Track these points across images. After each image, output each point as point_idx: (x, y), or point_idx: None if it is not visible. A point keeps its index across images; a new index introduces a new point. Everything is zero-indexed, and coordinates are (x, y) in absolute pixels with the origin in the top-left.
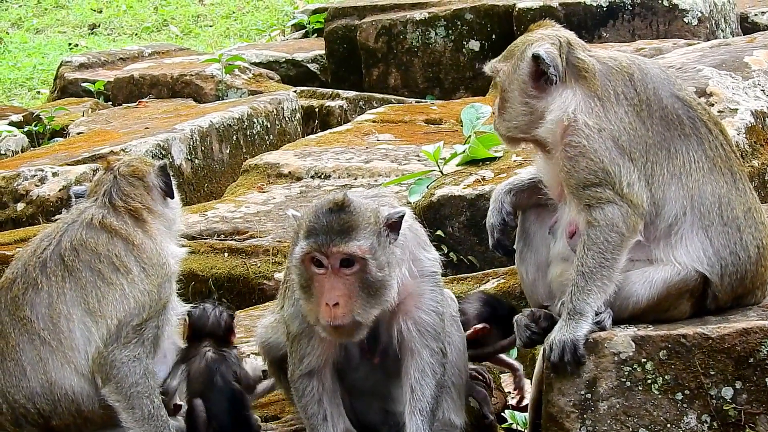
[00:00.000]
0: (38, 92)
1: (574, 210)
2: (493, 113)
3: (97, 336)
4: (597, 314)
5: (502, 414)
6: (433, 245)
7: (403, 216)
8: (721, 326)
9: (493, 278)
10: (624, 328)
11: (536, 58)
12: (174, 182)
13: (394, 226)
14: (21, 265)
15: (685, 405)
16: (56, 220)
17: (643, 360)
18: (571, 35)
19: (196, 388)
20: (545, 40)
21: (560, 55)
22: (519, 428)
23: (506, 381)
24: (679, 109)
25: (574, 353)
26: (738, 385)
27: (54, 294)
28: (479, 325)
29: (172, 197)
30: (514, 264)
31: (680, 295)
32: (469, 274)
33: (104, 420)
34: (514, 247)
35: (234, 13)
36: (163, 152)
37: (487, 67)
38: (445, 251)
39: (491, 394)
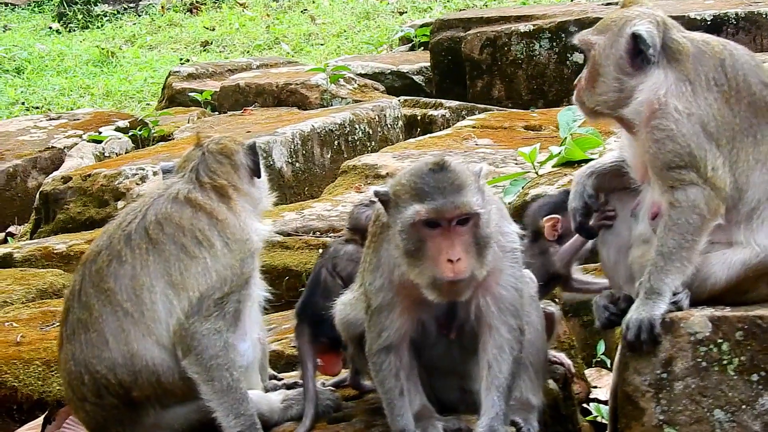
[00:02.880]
0: (147, 104)
1: (657, 191)
2: (576, 85)
3: (179, 308)
4: (674, 294)
5: (585, 405)
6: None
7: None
8: None
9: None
10: (701, 308)
11: (636, 36)
12: (262, 162)
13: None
14: (106, 238)
15: (760, 386)
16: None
17: (719, 340)
18: (665, 15)
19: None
20: (644, 18)
21: (658, 35)
22: (604, 421)
23: (592, 375)
24: (767, 96)
25: (650, 332)
26: None
27: (138, 266)
28: (549, 218)
29: (259, 177)
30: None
31: (759, 278)
32: None
33: (184, 392)
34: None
35: (345, 31)
36: (264, 155)
37: (578, 38)
38: None
39: (572, 381)
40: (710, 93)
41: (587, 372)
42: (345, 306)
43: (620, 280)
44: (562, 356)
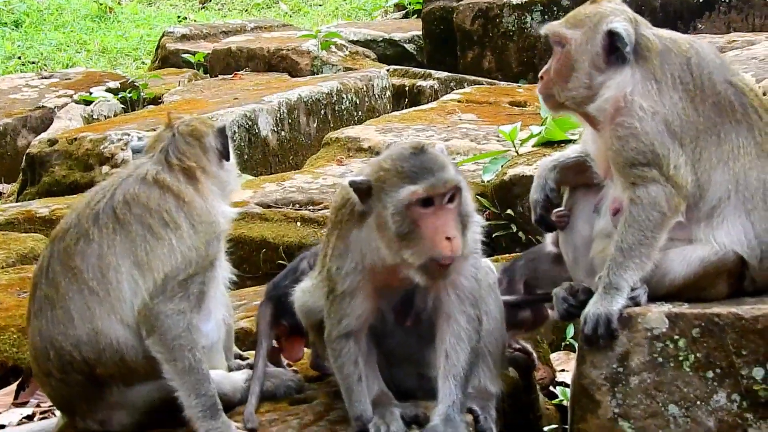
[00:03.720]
0: (143, 62)
1: (619, 187)
2: (543, 77)
3: (144, 288)
4: (633, 290)
5: (551, 389)
6: (503, 224)
7: None
8: (756, 307)
9: None
10: (659, 304)
11: (613, 34)
12: (231, 145)
13: None
14: (75, 216)
15: (715, 383)
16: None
17: (675, 337)
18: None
19: None
20: (619, 15)
21: (633, 33)
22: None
23: (560, 358)
24: (732, 95)
25: (607, 327)
26: None
27: (104, 246)
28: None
29: (228, 160)
30: None
31: (717, 275)
32: None
33: (147, 371)
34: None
35: None
36: (250, 123)
37: (550, 31)
38: (515, 230)
39: (534, 369)
40: (675, 92)
41: (555, 355)
42: (304, 293)
43: (581, 274)
44: (527, 346)
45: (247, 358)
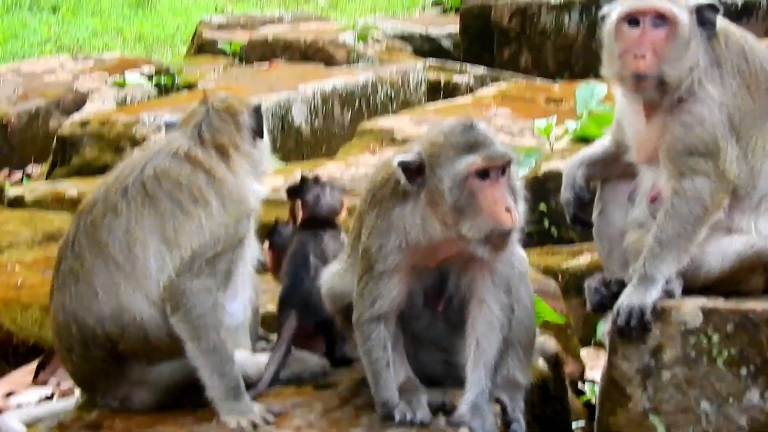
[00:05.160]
0: (178, 51)
1: (663, 175)
2: (645, 56)
3: (171, 265)
4: (667, 282)
5: (580, 386)
6: (536, 219)
7: None
8: None
9: (587, 252)
10: (693, 298)
11: (711, 7)
12: (266, 124)
13: None
14: (103, 190)
15: (748, 380)
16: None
17: (709, 332)
18: None
19: (293, 264)
20: None
21: None
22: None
23: (590, 355)
24: None
25: (640, 319)
26: None
27: (132, 220)
28: None
29: (262, 138)
30: None
31: (752, 269)
32: (563, 247)
33: (170, 349)
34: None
35: None
36: (284, 111)
37: (660, 8)
38: (547, 226)
39: (564, 361)
40: (734, 79)
41: (584, 352)
42: (333, 276)
43: (615, 267)
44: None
45: (272, 341)
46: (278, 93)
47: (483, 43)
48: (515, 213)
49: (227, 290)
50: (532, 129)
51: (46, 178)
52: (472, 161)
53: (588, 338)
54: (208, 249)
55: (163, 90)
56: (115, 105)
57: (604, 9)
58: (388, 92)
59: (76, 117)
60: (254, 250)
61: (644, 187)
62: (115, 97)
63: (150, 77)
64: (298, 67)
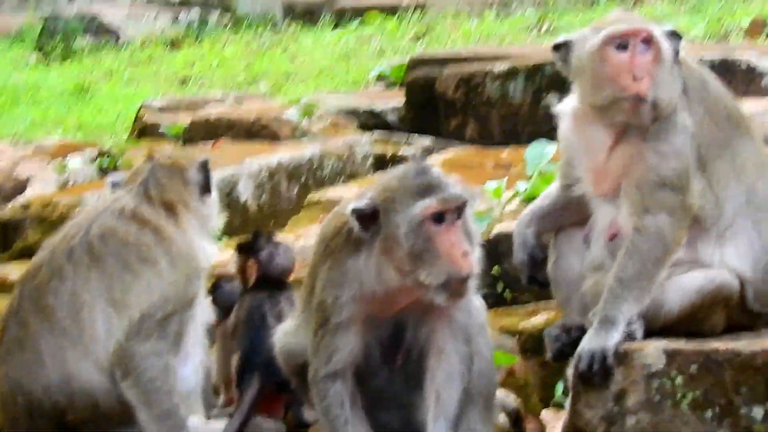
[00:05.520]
0: (120, 137)
1: (624, 210)
2: (644, 79)
3: (119, 328)
4: (629, 324)
5: None
6: (489, 282)
7: None
8: (753, 343)
9: (544, 311)
10: (655, 340)
11: (675, 33)
12: (213, 179)
13: None
14: (48, 253)
15: (714, 423)
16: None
17: (673, 374)
18: None
19: (250, 328)
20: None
21: None
22: None
23: (549, 416)
24: (735, 107)
25: (603, 363)
26: None
27: (78, 283)
28: None
29: (210, 194)
30: None
31: (713, 305)
32: (518, 308)
33: (121, 417)
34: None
35: (324, 71)
36: (229, 188)
37: (645, 31)
38: (500, 289)
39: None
40: (699, 107)
41: (544, 413)
42: (286, 334)
43: (574, 313)
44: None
45: (221, 406)
46: (223, 169)
47: (428, 114)
48: (472, 257)
49: (178, 353)
50: (482, 194)
51: None
52: (427, 204)
53: (547, 400)
54: (158, 310)
55: (105, 172)
56: (57, 188)
57: (561, 39)
58: (335, 166)
59: (18, 200)
60: (205, 311)
61: (601, 225)
62: (56, 180)
63: (92, 160)
64: (243, 145)
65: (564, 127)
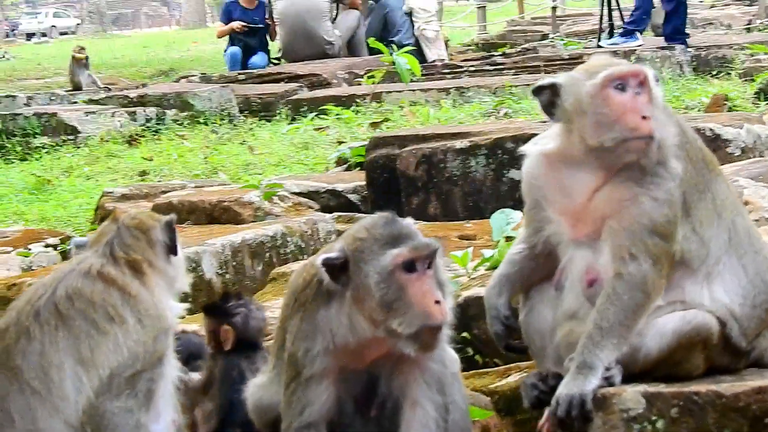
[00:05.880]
0: (82, 228)
1: (605, 254)
2: (647, 118)
3: (89, 386)
4: (607, 369)
5: None
6: (459, 347)
7: None
8: (735, 384)
9: (516, 372)
10: (634, 384)
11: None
12: (179, 240)
13: None
14: (15, 314)
15: None
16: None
17: (653, 418)
18: None
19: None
20: None
21: None
22: None
23: None
24: (707, 150)
25: (581, 408)
26: None
27: (46, 343)
28: None
29: (176, 254)
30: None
31: (691, 347)
32: (490, 369)
33: None
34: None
35: (283, 161)
36: (193, 264)
37: (638, 70)
38: (471, 353)
39: None
40: (682, 151)
41: None
42: (258, 389)
43: (550, 363)
44: None
45: None
46: (186, 248)
47: (390, 194)
48: (445, 306)
49: (149, 411)
50: (447, 264)
51: None
52: (398, 253)
53: None
54: (127, 368)
55: (69, 257)
56: (21, 272)
57: (545, 81)
58: (298, 243)
59: None
60: (175, 370)
61: (576, 270)
62: (20, 264)
63: (55, 247)
64: (205, 228)
65: (533, 168)
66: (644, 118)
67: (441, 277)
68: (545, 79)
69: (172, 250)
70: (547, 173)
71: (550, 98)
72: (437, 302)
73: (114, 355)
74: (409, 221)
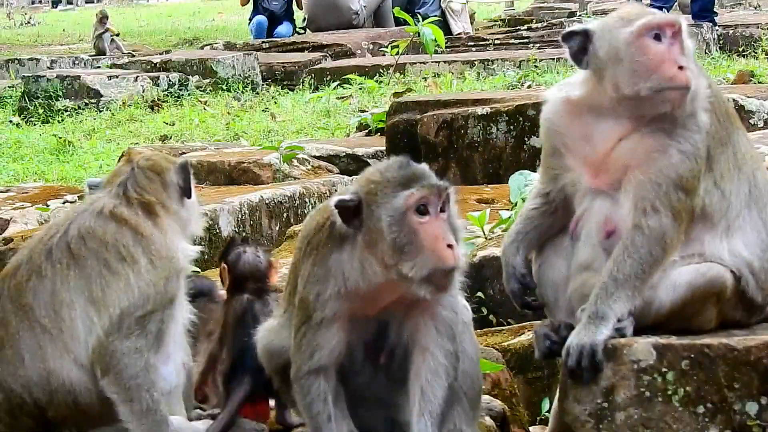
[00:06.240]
0: None
1: (625, 206)
2: (683, 68)
3: (99, 326)
4: (619, 321)
5: None
6: (473, 307)
7: None
8: (748, 338)
9: (529, 331)
10: (645, 336)
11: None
12: (193, 182)
13: None
14: (27, 253)
15: (706, 419)
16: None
17: (664, 369)
18: None
19: (231, 332)
20: None
21: None
22: None
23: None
24: (730, 103)
25: (591, 358)
26: (763, 400)
27: (57, 282)
28: None
29: (190, 197)
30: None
31: (705, 299)
32: (503, 327)
33: (101, 414)
34: (535, 281)
35: (304, 128)
36: (210, 222)
37: (675, 20)
38: (485, 313)
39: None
40: (707, 104)
41: (531, 429)
42: (269, 333)
43: (562, 315)
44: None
45: (206, 409)
46: (204, 206)
47: (410, 158)
48: (458, 250)
49: (159, 352)
50: (465, 226)
51: None
52: (409, 194)
53: (533, 418)
54: (138, 308)
55: None
56: (38, 225)
57: (576, 27)
58: (316, 204)
59: None
60: (186, 312)
61: (594, 221)
62: (38, 218)
63: (73, 203)
64: (224, 187)
65: (555, 114)
66: (681, 68)
67: (455, 222)
68: (576, 25)
69: (186, 192)
70: (570, 120)
71: (580, 45)
72: (449, 246)
73: (125, 295)
74: (423, 165)
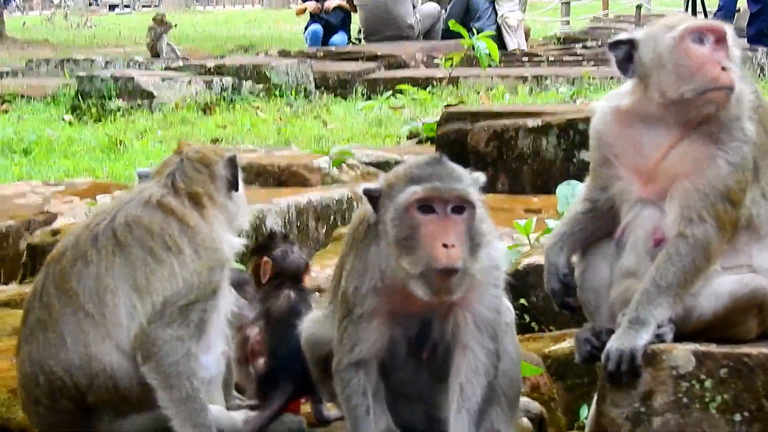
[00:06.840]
0: None
1: (672, 214)
2: (726, 69)
3: (142, 313)
4: (659, 327)
5: None
6: (516, 314)
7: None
8: None
9: (570, 338)
10: (685, 343)
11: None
12: (241, 175)
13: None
14: (73, 238)
15: (743, 427)
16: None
17: (702, 377)
18: None
19: (275, 329)
20: None
21: None
22: None
23: None
24: None
25: (631, 363)
26: None
27: (102, 268)
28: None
29: (237, 190)
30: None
31: (747, 310)
32: (545, 333)
33: (141, 400)
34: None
35: (355, 136)
36: (257, 222)
37: (719, 26)
38: (527, 320)
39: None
40: (754, 113)
41: None
42: (313, 323)
43: (604, 321)
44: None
45: (245, 400)
46: (252, 205)
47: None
48: (456, 251)
49: (200, 341)
50: (512, 234)
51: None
52: (414, 191)
53: (571, 424)
54: (181, 297)
55: None
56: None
57: (622, 36)
58: None
59: (47, 228)
60: (229, 303)
61: (643, 230)
62: (86, 212)
63: None
64: (272, 189)
65: (604, 124)
66: (723, 69)
67: (479, 227)
68: (622, 34)
69: (233, 185)
70: (620, 130)
71: (626, 54)
72: (447, 246)
73: (169, 284)
74: (455, 166)
